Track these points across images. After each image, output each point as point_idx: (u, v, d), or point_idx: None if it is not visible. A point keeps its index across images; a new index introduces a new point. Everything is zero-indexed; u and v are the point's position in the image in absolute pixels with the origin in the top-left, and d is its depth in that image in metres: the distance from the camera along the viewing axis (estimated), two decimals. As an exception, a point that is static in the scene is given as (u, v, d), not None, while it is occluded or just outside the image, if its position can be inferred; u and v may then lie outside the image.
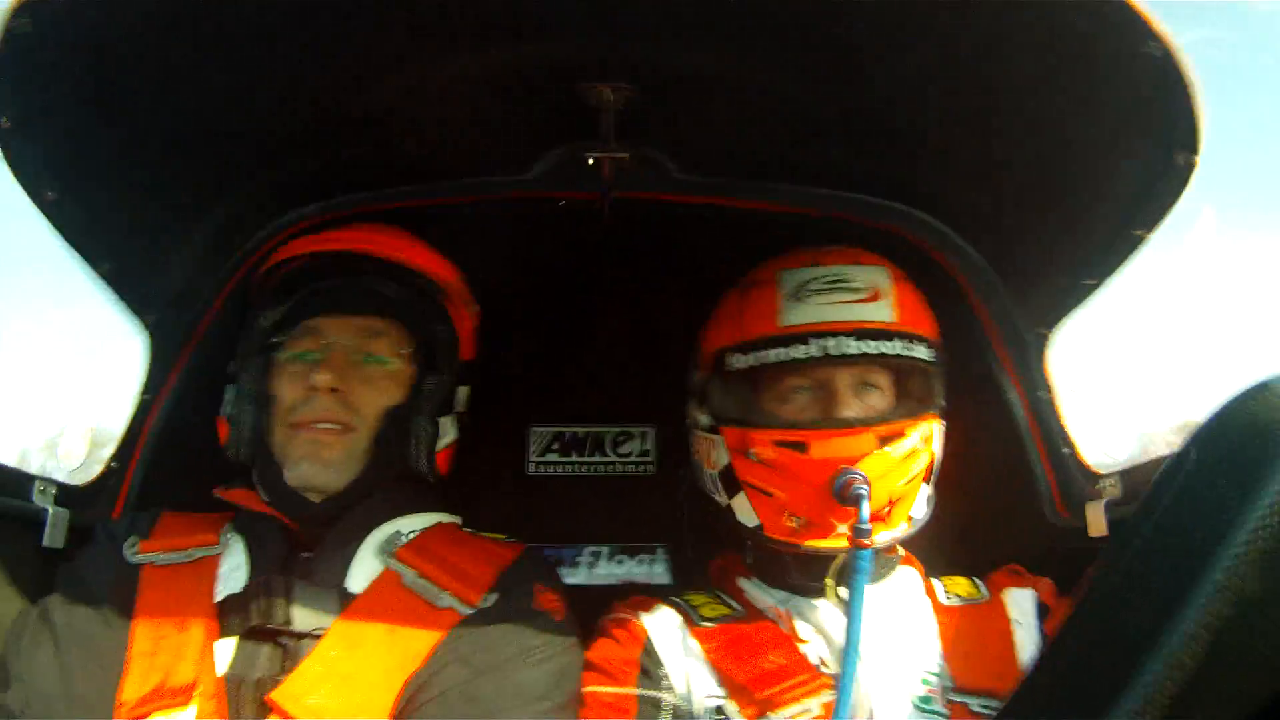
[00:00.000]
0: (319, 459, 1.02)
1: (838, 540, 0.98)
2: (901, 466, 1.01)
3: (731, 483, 1.06)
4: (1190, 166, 0.87)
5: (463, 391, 1.17)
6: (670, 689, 0.99)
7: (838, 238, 1.15)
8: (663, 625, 1.04)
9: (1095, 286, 1.09)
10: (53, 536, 1.07)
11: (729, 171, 1.25)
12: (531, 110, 1.11)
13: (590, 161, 1.12)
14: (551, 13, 0.89)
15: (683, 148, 1.20)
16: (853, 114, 1.07)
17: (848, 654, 0.87)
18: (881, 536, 1.00)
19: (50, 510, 1.07)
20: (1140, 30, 0.76)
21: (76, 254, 1.04)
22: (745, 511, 1.05)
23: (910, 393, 1.07)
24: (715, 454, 1.08)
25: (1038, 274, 1.19)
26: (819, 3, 0.85)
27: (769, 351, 1.03)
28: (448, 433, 1.14)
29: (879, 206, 1.26)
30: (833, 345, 1.00)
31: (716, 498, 1.09)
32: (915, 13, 0.83)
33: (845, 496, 0.95)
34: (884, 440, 1.00)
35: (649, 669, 1.00)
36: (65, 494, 1.10)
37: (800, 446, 1.00)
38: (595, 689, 0.98)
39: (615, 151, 1.10)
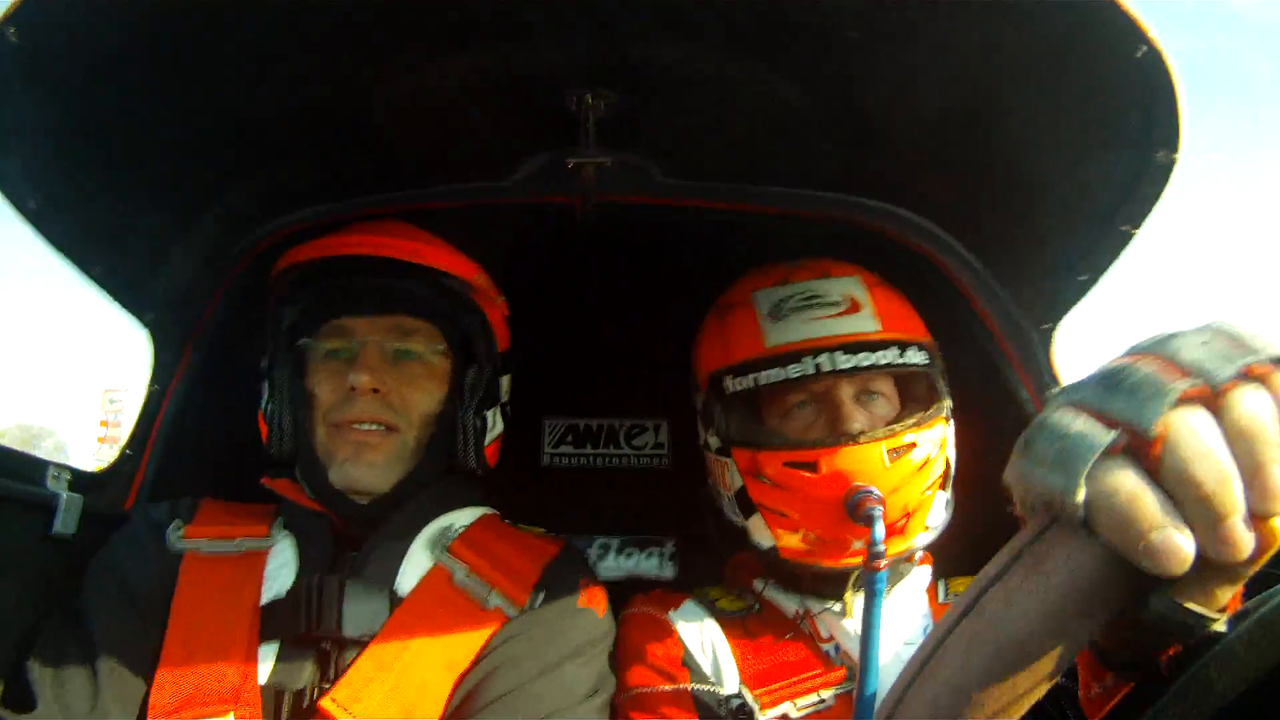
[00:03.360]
0: (363, 461, 1.01)
1: (854, 557, 0.98)
2: (917, 477, 1.00)
3: (746, 505, 1.04)
4: (1171, 164, 0.88)
5: (504, 381, 1.16)
6: (717, 683, 0.99)
7: (828, 239, 1.16)
8: (688, 620, 1.05)
9: (1090, 282, 1.10)
10: (64, 522, 1.04)
11: (715, 175, 1.26)
12: (515, 116, 1.11)
13: (570, 166, 1.11)
14: (535, 18, 0.89)
15: (667, 151, 1.20)
16: (841, 115, 1.07)
17: (864, 675, 0.81)
18: (901, 548, 1.00)
19: (63, 496, 1.04)
20: (1133, 35, 0.77)
21: (65, 259, 1.01)
22: (761, 532, 1.04)
23: (915, 397, 1.07)
24: (729, 476, 1.07)
25: (1031, 271, 1.20)
26: (808, 5, 0.86)
27: (763, 372, 1.02)
28: (495, 425, 1.12)
29: (868, 207, 1.27)
30: (825, 361, 1.00)
31: (734, 518, 1.08)
32: (908, 15, 0.84)
33: (858, 515, 0.92)
34: (895, 452, 0.99)
35: (692, 665, 1.00)
36: (79, 480, 1.08)
37: (810, 466, 0.98)
38: (649, 689, 0.97)
39: (597, 157, 1.09)
